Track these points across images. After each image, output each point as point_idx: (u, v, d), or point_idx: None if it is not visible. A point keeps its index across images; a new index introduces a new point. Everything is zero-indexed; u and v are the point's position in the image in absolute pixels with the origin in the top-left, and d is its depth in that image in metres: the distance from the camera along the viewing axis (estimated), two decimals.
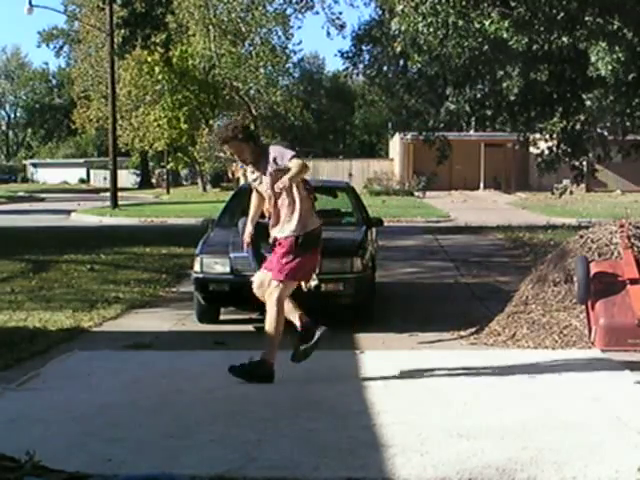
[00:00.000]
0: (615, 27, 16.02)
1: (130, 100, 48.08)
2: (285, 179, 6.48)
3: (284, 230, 6.69)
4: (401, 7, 16.51)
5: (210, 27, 40.52)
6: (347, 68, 22.77)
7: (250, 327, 9.16)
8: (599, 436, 5.29)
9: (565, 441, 5.18)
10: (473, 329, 8.78)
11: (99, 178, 69.74)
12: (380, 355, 7.84)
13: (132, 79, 46.71)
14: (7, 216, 28.79)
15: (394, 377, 6.88)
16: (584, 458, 4.89)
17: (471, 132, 45.37)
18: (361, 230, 10.17)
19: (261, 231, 7.09)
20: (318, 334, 6.68)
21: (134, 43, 49.02)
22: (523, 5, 16.46)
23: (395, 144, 49.85)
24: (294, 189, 6.63)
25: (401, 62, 21.44)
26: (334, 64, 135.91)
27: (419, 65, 19.60)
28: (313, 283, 7.87)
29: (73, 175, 76.59)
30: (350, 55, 22.43)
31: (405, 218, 26.18)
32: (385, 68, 22.41)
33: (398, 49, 18.60)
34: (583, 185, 33.74)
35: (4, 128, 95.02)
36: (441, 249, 17.62)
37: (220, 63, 41.53)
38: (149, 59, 45.59)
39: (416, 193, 43.35)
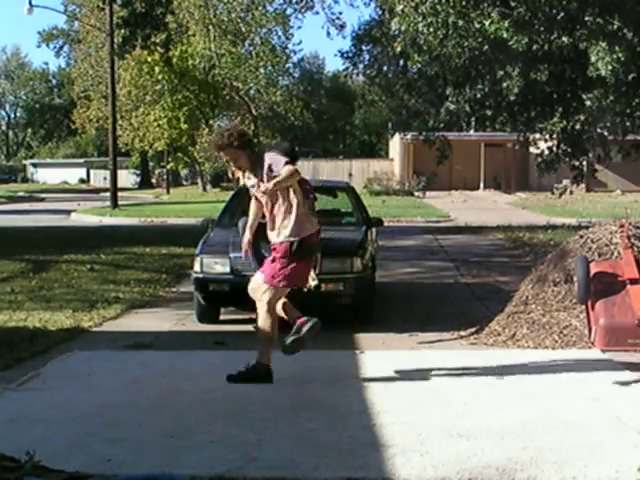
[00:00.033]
0: (615, 27, 16.03)
1: (130, 100, 48.08)
2: (270, 184, 6.51)
3: (280, 235, 6.69)
4: (401, 7, 16.52)
5: (210, 27, 40.54)
6: (347, 68, 22.77)
7: (250, 327, 9.15)
8: (599, 436, 5.29)
9: (565, 441, 5.18)
10: (473, 329, 8.78)
11: (99, 178, 69.73)
12: (380, 355, 7.84)
13: (132, 79, 46.71)
14: (7, 216, 28.79)
15: (394, 377, 6.88)
16: (584, 458, 4.89)
17: (471, 132, 45.37)
18: (361, 230, 10.17)
19: (261, 231, 7.08)
20: (309, 325, 6.64)
21: (134, 43, 48.85)
22: (523, 5, 16.47)
23: (395, 144, 49.85)
24: (290, 194, 6.63)
25: (401, 62, 21.44)
26: (334, 64, 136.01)
27: (419, 65, 19.60)
28: (313, 283, 7.87)
29: (73, 175, 76.58)
30: (350, 55, 22.43)
31: (405, 218, 26.18)
32: (385, 68, 22.41)
33: (398, 49, 18.61)
34: (583, 185, 33.74)
35: (4, 128, 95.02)
36: (441, 249, 17.62)
37: (220, 63, 41.55)
38: (149, 59, 45.52)
39: (416, 193, 43.34)
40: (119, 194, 33.65)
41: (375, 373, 6.98)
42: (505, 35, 15.88)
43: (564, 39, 16.91)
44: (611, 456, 4.92)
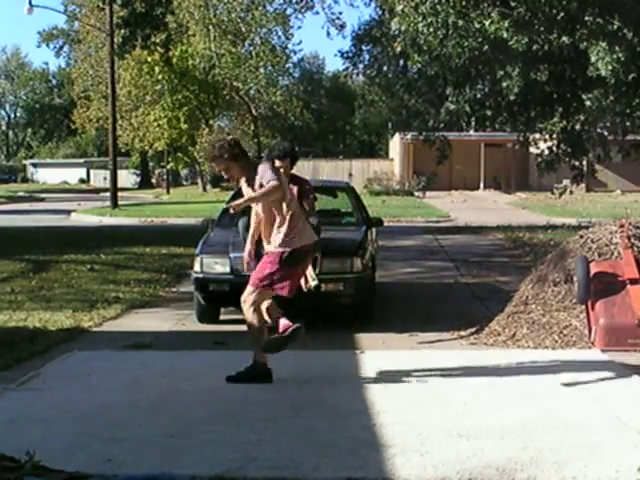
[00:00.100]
0: (615, 27, 16.03)
1: (130, 100, 48.06)
2: (240, 201, 6.64)
3: (270, 245, 6.72)
4: (401, 7, 16.52)
5: (210, 27, 40.55)
6: (347, 68, 22.78)
7: None
8: (599, 436, 5.29)
9: (565, 441, 5.18)
10: (473, 329, 8.78)
11: (99, 178, 69.73)
12: (380, 355, 7.84)
13: (132, 79, 46.69)
14: (7, 216, 28.78)
15: (394, 377, 6.88)
16: (584, 458, 4.89)
17: (471, 132, 45.35)
18: (361, 230, 10.17)
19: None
20: (293, 327, 6.63)
21: (134, 43, 49.11)
22: (523, 5, 16.47)
23: (395, 144, 49.85)
24: (283, 207, 6.64)
25: (401, 62, 21.45)
26: (334, 64, 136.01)
27: (419, 65, 19.60)
28: (313, 283, 7.88)
29: (73, 175, 76.56)
30: (350, 55, 22.44)
31: (405, 218, 26.18)
32: (385, 68, 22.42)
33: (398, 49, 18.61)
34: (583, 185, 33.76)
35: (4, 128, 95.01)
36: (441, 249, 17.62)
37: (220, 63, 41.54)
38: (149, 59, 45.61)
39: (416, 193, 43.34)
40: (119, 194, 33.63)
41: (375, 373, 6.98)
42: (505, 35, 15.88)
43: (564, 39, 16.91)
44: (611, 456, 4.92)
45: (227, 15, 40.99)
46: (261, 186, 6.58)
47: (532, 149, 25.77)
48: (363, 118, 70.89)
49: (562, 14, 16.45)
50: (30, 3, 33.11)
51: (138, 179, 68.12)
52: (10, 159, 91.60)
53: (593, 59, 16.04)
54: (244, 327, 7.26)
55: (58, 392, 6.42)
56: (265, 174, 6.57)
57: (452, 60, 18.22)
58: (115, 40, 36.69)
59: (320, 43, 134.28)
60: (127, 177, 65.80)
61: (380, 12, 22.23)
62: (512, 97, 19.33)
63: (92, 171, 75.69)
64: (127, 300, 10.83)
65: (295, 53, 47.05)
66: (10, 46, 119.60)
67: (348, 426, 5.54)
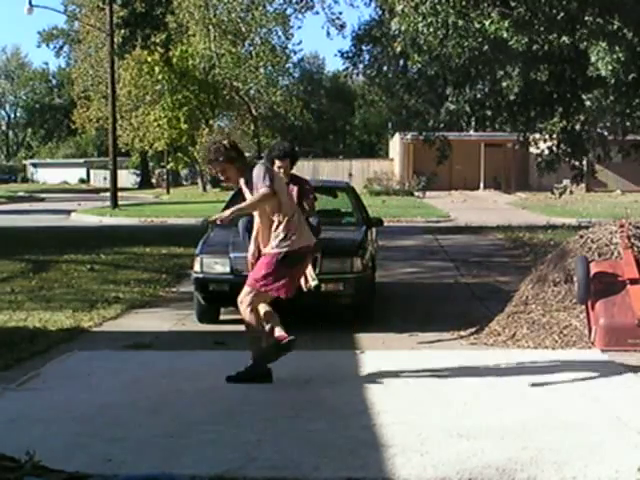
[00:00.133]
0: (615, 27, 16.03)
1: (130, 100, 48.05)
2: (227, 212, 6.67)
3: (267, 247, 6.73)
4: (401, 7, 16.52)
5: (210, 27, 40.56)
6: (347, 68, 22.79)
7: None
8: (599, 436, 5.29)
9: (565, 441, 5.18)
10: (473, 329, 8.78)
11: (99, 178, 69.72)
12: (380, 355, 7.83)
13: (132, 79, 46.69)
14: (7, 216, 28.78)
15: (394, 377, 6.88)
16: (584, 458, 4.89)
17: (471, 132, 45.35)
18: (361, 230, 10.17)
19: None
20: (288, 339, 6.63)
21: (134, 43, 49.14)
22: (523, 5, 16.48)
23: (395, 144, 49.85)
24: (279, 211, 6.64)
25: (401, 62, 21.45)
26: (334, 64, 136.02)
27: (419, 65, 19.60)
28: (313, 283, 7.88)
29: (73, 175, 76.57)
30: (350, 55, 22.45)
31: (405, 218, 26.17)
32: (385, 68, 22.42)
33: (398, 49, 18.61)
34: (583, 185, 33.77)
35: (4, 128, 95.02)
36: (441, 249, 17.62)
37: (220, 63, 41.55)
38: (149, 59, 45.59)
39: (416, 193, 43.34)
40: (119, 194, 33.63)
41: (375, 373, 6.98)
42: (505, 35, 15.88)
43: (564, 39, 16.91)
44: (611, 456, 4.92)
45: (227, 15, 41.00)
46: (256, 189, 6.59)
47: (532, 149, 25.77)
48: (363, 118, 70.89)
49: (562, 14, 16.46)
50: (30, 3, 33.12)
51: (138, 179, 68.12)
52: (10, 159, 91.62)
53: (593, 59, 16.04)
54: (244, 327, 7.26)
55: (58, 392, 6.42)
56: (258, 180, 6.56)
57: (452, 60, 18.22)
58: (115, 40, 36.69)
59: (320, 43, 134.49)
60: (127, 177, 65.81)
61: (380, 12, 22.24)
62: (512, 97, 19.34)
63: (92, 171, 75.69)
64: (127, 300, 10.82)
65: (295, 53, 47.12)
66: (10, 46, 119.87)
67: (348, 426, 5.54)
